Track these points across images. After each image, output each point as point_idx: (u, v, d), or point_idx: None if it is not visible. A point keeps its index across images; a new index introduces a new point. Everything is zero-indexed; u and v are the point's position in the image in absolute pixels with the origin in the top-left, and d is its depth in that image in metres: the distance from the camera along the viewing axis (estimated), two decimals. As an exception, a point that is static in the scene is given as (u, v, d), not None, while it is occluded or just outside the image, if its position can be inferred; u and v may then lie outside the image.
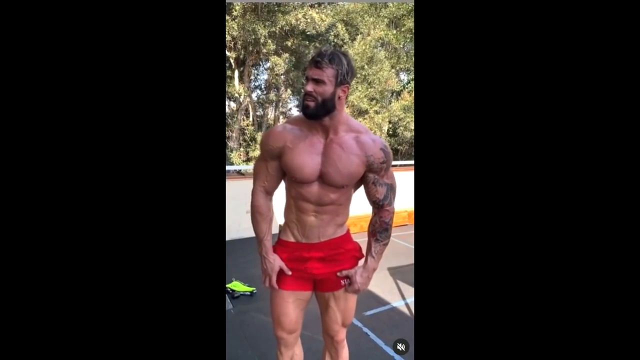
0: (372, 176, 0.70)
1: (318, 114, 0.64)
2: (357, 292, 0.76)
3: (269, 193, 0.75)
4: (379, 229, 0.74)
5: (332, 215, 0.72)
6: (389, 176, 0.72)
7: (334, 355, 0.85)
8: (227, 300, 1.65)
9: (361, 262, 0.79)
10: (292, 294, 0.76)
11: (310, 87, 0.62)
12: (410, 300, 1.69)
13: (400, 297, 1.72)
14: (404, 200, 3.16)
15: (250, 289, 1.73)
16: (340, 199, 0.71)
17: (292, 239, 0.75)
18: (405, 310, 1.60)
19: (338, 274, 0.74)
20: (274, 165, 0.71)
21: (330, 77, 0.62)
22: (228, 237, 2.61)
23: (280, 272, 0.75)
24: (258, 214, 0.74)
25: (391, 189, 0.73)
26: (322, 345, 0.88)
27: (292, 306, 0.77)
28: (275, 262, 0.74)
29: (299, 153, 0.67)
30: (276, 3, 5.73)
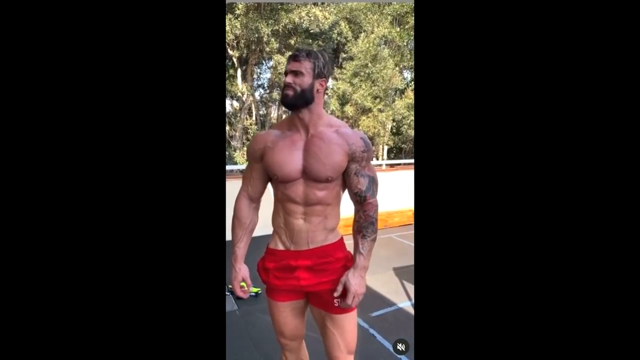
0: (354, 167, 0.69)
1: (296, 103, 0.65)
2: (353, 299, 0.69)
3: (253, 200, 0.75)
4: (365, 223, 0.70)
5: (321, 218, 0.69)
6: (370, 168, 0.71)
7: None
8: (233, 301, 1.65)
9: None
10: (287, 304, 0.74)
11: (289, 79, 0.65)
12: (417, 301, 1.67)
13: (406, 297, 1.70)
14: (409, 199, 3.13)
15: (256, 289, 1.72)
16: (328, 198, 0.69)
17: (280, 247, 0.72)
18: (412, 311, 1.58)
19: (335, 295, 0.69)
20: (258, 168, 0.72)
21: (307, 69, 0.64)
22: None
23: (272, 281, 0.73)
24: (236, 219, 0.74)
25: (373, 181, 0.71)
26: None
27: (290, 315, 0.75)
28: (240, 272, 0.74)
29: (278, 151, 0.68)
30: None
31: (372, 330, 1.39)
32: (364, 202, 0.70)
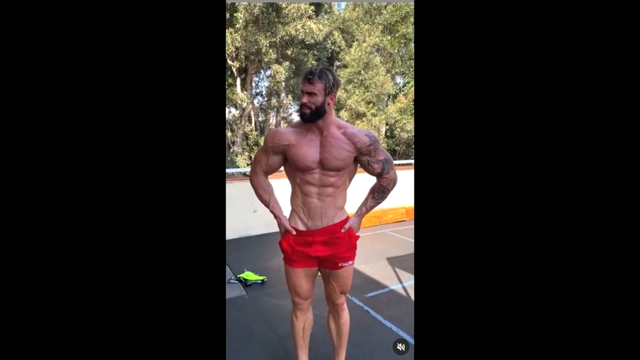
0: (366, 158, 0.90)
1: (313, 118, 0.84)
2: (352, 230, 0.95)
3: (266, 175, 0.96)
4: (377, 189, 0.95)
5: (332, 198, 0.90)
6: (381, 153, 0.91)
7: (336, 316, 1.03)
8: (241, 287, 1.83)
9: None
10: (302, 270, 0.96)
11: (305, 99, 0.83)
12: (407, 283, 1.86)
13: (397, 281, 1.90)
14: (402, 197, 3.33)
15: (261, 277, 1.90)
16: (338, 183, 0.90)
17: (300, 226, 0.92)
18: (402, 291, 1.77)
19: (342, 230, 0.93)
20: (276, 159, 0.91)
21: (320, 89, 0.82)
22: (237, 235, 2.78)
23: (292, 254, 0.94)
24: (261, 189, 0.95)
25: (386, 161, 0.92)
26: (327, 312, 1.06)
27: (304, 279, 0.97)
28: (285, 219, 0.95)
29: (301, 147, 0.87)
30: (276, 15, 6.00)
31: (366, 307, 1.58)
32: (380, 177, 0.93)
